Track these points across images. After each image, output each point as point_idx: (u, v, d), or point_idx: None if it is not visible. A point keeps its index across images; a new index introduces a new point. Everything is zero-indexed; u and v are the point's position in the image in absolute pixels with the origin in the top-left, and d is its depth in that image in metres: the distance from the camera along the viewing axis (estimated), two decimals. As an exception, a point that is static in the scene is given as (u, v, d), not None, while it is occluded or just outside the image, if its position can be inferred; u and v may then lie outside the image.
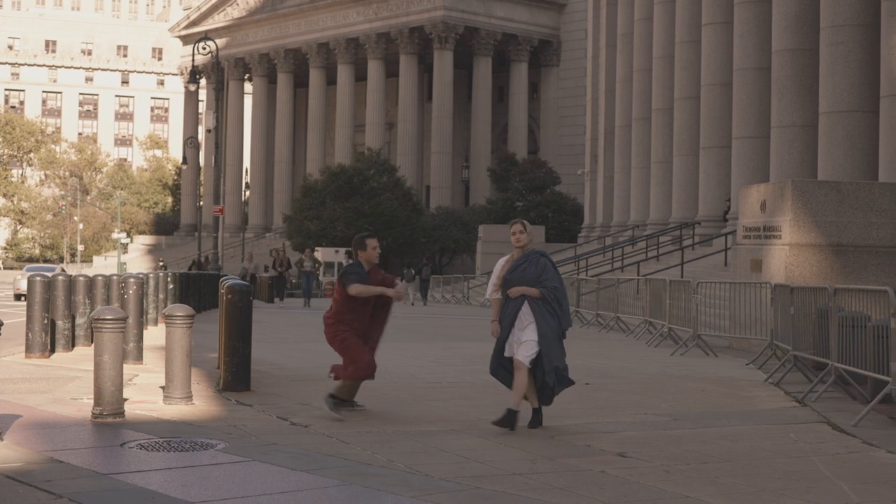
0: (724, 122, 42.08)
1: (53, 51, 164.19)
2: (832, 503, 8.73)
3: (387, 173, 75.59)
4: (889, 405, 13.18)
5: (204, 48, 54.23)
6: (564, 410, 13.70)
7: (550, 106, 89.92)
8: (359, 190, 72.71)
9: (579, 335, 29.26)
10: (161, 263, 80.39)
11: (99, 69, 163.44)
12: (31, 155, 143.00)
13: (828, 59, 32.98)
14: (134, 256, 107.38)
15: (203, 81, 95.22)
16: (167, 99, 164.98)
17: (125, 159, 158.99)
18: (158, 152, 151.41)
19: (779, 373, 17.13)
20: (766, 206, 22.98)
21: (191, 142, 75.16)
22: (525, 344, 11.78)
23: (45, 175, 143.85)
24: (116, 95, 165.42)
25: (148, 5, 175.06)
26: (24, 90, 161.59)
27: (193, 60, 57.87)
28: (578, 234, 66.21)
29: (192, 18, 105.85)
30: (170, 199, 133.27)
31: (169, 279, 31.58)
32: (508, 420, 11.68)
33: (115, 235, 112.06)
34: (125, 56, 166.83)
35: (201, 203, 77.96)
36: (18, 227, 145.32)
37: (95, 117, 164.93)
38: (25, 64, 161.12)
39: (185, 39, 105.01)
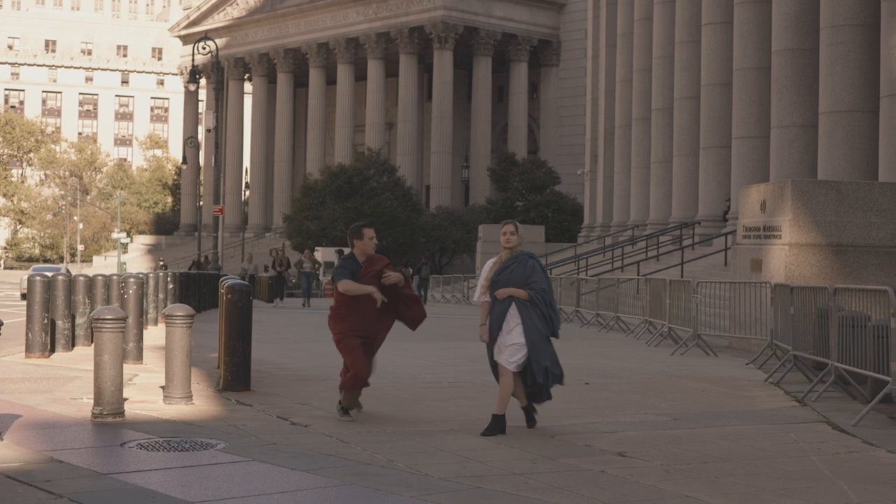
0: (723, 122, 42.08)
1: (53, 51, 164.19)
2: (832, 503, 8.73)
3: (387, 173, 75.59)
4: (889, 405, 13.18)
5: (204, 48, 54.23)
6: (564, 410, 13.70)
7: (550, 106, 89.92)
8: (359, 190, 72.71)
9: (579, 335, 29.26)
10: (161, 263, 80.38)
11: (99, 69, 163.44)
12: (31, 155, 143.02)
13: (827, 58, 32.98)
14: (134, 256, 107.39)
15: (203, 81, 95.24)
16: (167, 99, 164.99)
17: (125, 159, 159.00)
18: (158, 152, 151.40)
19: (779, 372, 17.13)
20: (766, 205, 22.98)
21: (191, 141, 75.16)
22: (510, 348, 11.59)
23: (45, 175, 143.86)
24: (116, 95, 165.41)
25: (148, 5, 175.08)
26: (23, 90, 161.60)
27: (193, 60, 57.86)
28: (578, 233, 66.22)
29: (191, 18, 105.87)
30: (170, 199, 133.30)
31: (169, 279, 31.59)
32: (496, 426, 11.53)
33: (114, 235, 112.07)
34: (125, 56, 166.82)
35: (201, 203, 77.96)
36: (18, 227, 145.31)
37: (95, 117, 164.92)
38: (25, 64, 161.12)
39: (185, 39, 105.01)
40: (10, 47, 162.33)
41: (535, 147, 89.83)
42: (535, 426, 11.93)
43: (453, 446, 10.79)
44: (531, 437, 11.47)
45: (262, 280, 50.97)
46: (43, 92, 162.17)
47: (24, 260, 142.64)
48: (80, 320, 20.80)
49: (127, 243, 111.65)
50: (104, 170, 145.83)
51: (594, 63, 64.40)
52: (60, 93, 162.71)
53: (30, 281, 19.17)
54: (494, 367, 11.90)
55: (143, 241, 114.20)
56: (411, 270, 56.23)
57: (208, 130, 57.86)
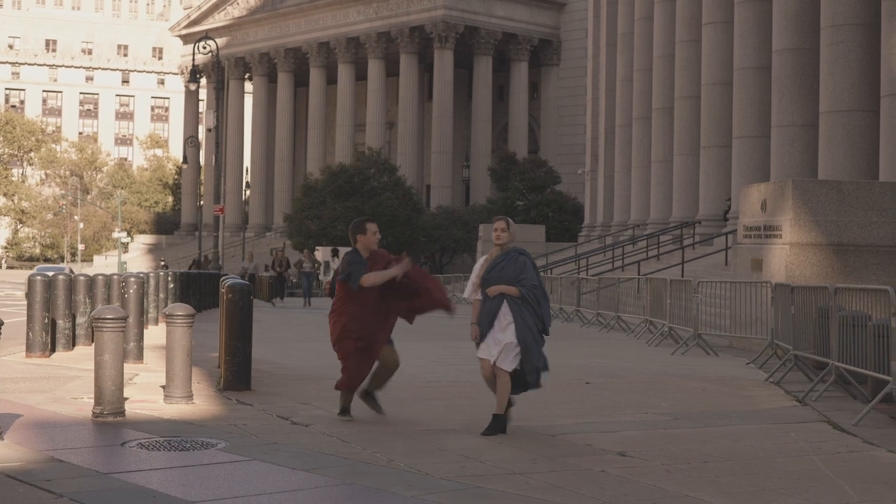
0: (724, 122, 42.08)
1: (54, 50, 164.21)
2: (832, 502, 8.73)
3: (387, 173, 75.58)
4: (889, 404, 13.18)
5: (204, 47, 54.23)
6: (565, 410, 13.71)
7: (551, 105, 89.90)
8: (359, 189, 72.70)
9: (580, 334, 29.27)
10: (162, 263, 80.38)
11: (99, 68, 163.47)
12: (32, 154, 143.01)
13: (828, 58, 32.97)
14: (134, 256, 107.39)
15: (203, 81, 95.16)
16: (167, 98, 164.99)
17: (125, 158, 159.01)
18: (159, 151, 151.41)
19: (779, 372, 17.13)
20: (767, 205, 22.98)
21: (191, 141, 75.16)
22: (506, 348, 11.44)
23: (46, 174, 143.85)
24: (117, 95, 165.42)
25: (148, 4, 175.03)
26: (24, 89, 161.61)
27: (194, 60, 57.86)
28: (579, 233, 66.23)
29: (192, 18, 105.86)
30: (170, 199, 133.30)
31: (169, 278, 31.60)
32: (496, 426, 11.49)
33: (115, 235, 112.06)
34: (125, 55, 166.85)
35: (202, 202, 77.97)
36: (19, 227, 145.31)
37: (96, 116, 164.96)
38: (26, 63, 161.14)
39: (186, 39, 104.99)
40: (11, 47, 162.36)
41: (535, 146, 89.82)
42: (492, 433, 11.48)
43: (454, 446, 10.79)
44: (532, 437, 11.47)
45: (263, 279, 50.97)
46: (43, 91, 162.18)
47: (24, 259, 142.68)
48: (80, 320, 20.80)
49: (127, 243, 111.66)
50: (105, 169, 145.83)
51: (594, 62, 64.40)
52: (61, 92, 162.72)
53: (30, 280, 19.16)
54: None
55: (143, 240, 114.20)
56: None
57: (209, 130, 57.90)
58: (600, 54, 61.54)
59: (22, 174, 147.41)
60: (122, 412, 12.11)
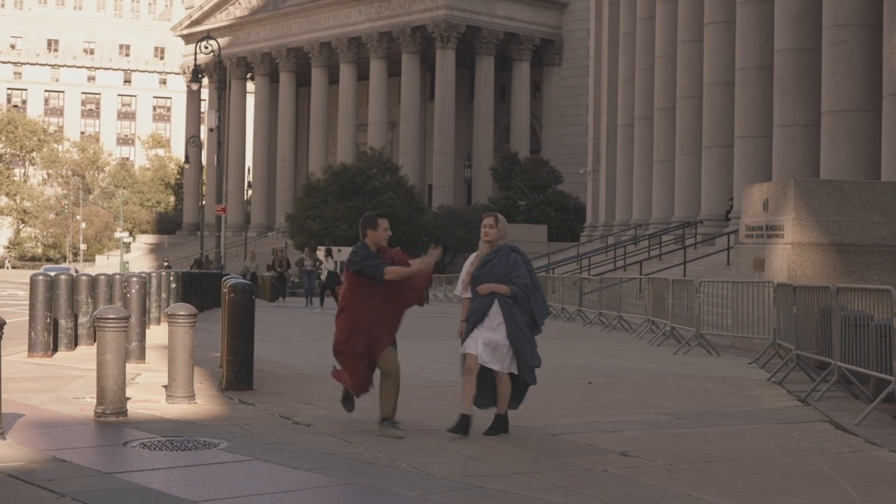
0: (726, 122, 42.08)
1: (56, 50, 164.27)
2: (835, 502, 8.73)
3: (389, 172, 75.53)
4: (892, 404, 13.17)
5: (206, 47, 54.25)
6: (567, 409, 13.71)
7: (553, 105, 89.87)
8: (361, 189, 72.67)
9: (582, 334, 29.26)
10: (166, 263, 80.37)
11: (101, 68, 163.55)
12: (34, 154, 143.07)
13: (830, 58, 32.97)
14: (136, 255, 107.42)
15: (205, 80, 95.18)
16: (169, 98, 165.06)
17: (127, 158, 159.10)
18: (161, 151, 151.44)
19: (781, 372, 17.13)
20: (769, 205, 22.98)
21: (193, 141, 75.18)
22: (498, 349, 11.18)
23: (48, 174, 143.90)
24: (119, 94, 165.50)
25: (150, 4, 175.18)
26: (26, 89, 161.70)
27: (196, 59, 57.87)
28: (581, 233, 66.26)
29: (194, 17, 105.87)
30: (172, 199, 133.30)
31: (171, 278, 31.60)
32: (498, 425, 11.43)
33: (117, 234, 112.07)
34: (127, 55, 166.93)
35: (204, 202, 77.97)
36: (21, 227, 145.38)
37: (98, 116, 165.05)
38: (28, 63, 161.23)
39: (188, 38, 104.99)
40: (13, 47, 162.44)
41: (537, 146, 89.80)
42: (458, 432, 11.18)
43: (456, 446, 10.78)
44: (534, 437, 11.46)
45: (265, 279, 50.93)
46: (45, 91, 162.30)
47: (26, 259, 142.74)
48: (82, 319, 20.81)
49: (129, 242, 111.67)
50: (107, 169, 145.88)
51: (596, 62, 64.41)
52: (63, 92, 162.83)
53: (32, 280, 19.17)
54: (464, 358, 11.39)
55: (145, 240, 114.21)
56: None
57: (211, 130, 57.91)
58: (602, 54, 61.55)
59: (24, 174, 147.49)
60: (124, 412, 12.12)
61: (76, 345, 20.46)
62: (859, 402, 14.21)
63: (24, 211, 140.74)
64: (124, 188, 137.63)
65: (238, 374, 14.59)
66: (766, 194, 23.33)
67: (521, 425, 11.97)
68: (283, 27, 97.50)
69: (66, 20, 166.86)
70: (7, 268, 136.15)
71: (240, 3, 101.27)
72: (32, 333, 18.93)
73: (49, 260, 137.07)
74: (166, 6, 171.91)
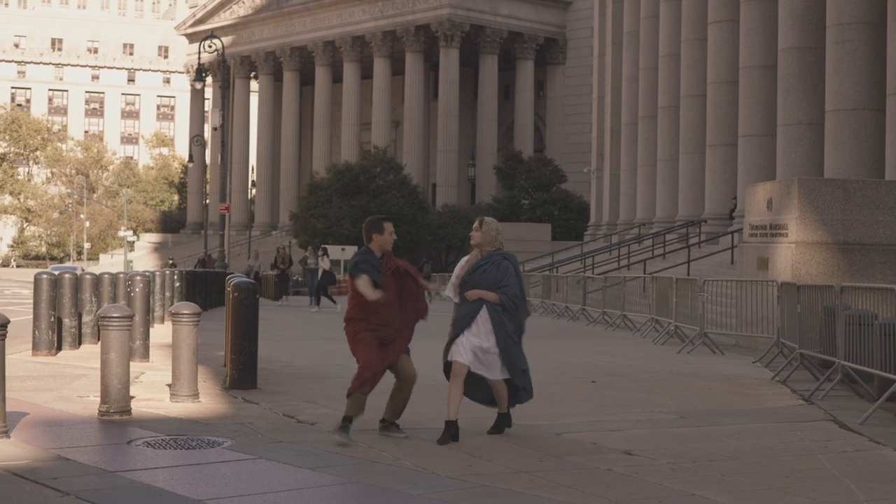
0: (730, 120, 42.05)
1: (59, 49, 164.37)
2: (839, 501, 8.72)
3: (393, 171, 75.54)
4: (896, 403, 13.17)
5: (210, 46, 54.23)
6: (571, 408, 13.71)
7: (556, 104, 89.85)
8: (365, 188, 72.68)
9: (585, 333, 29.27)
10: (171, 261, 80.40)
11: (105, 67, 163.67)
12: (38, 153, 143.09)
13: (834, 56, 32.94)
14: (140, 254, 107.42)
15: (209, 79, 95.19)
16: (173, 97, 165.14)
17: (131, 157, 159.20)
18: (164, 150, 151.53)
19: (785, 371, 17.12)
20: (773, 204, 22.96)
21: (197, 140, 75.19)
22: (487, 357, 11.00)
23: (52, 173, 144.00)
24: (122, 93, 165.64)
25: (154, 3, 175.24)
26: (30, 88, 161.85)
27: (199, 58, 57.83)
28: (585, 232, 66.22)
29: (197, 16, 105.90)
30: (176, 197, 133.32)
31: (175, 277, 31.60)
32: (502, 423, 11.42)
33: (121, 233, 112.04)
34: (131, 54, 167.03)
35: (207, 201, 78.07)
36: (25, 225, 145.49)
37: (101, 115, 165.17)
38: (31, 62, 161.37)
39: (191, 37, 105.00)
40: (17, 45, 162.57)
41: (541, 145, 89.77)
42: (446, 443, 10.84)
43: (460, 444, 10.77)
44: (538, 436, 11.46)
45: (269, 278, 50.92)
46: (49, 90, 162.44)
47: (30, 258, 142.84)
48: (86, 318, 20.82)
49: (133, 241, 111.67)
50: (110, 168, 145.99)
51: (600, 61, 64.37)
52: (67, 91, 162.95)
53: (36, 279, 19.17)
54: (448, 366, 11.20)
55: (149, 239, 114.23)
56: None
57: (214, 128, 57.86)
58: (606, 53, 61.52)
59: (28, 173, 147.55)
60: (128, 410, 12.12)
61: (80, 343, 20.48)
62: (863, 401, 14.20)
63: (28, 210, 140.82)
64: (128, 187, 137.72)
65: (242, 372, 14.60)
66: (769, 193, 23.31)
67: (525, 424, 11.97)
68: (286, 26, 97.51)
69: (70, 19, 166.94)
70: (12, 266, 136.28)
71: (243, 2, 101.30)
72: (36, 332, 18.94)
73: (53, 259, 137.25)
74: (170, 5, 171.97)
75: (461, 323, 11.09)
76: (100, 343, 12.45)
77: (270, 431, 11.43)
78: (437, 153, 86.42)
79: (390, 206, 71.10)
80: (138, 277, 20.04)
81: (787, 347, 18.46)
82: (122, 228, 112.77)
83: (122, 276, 22.31)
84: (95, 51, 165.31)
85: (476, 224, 11.33)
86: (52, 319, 19.06)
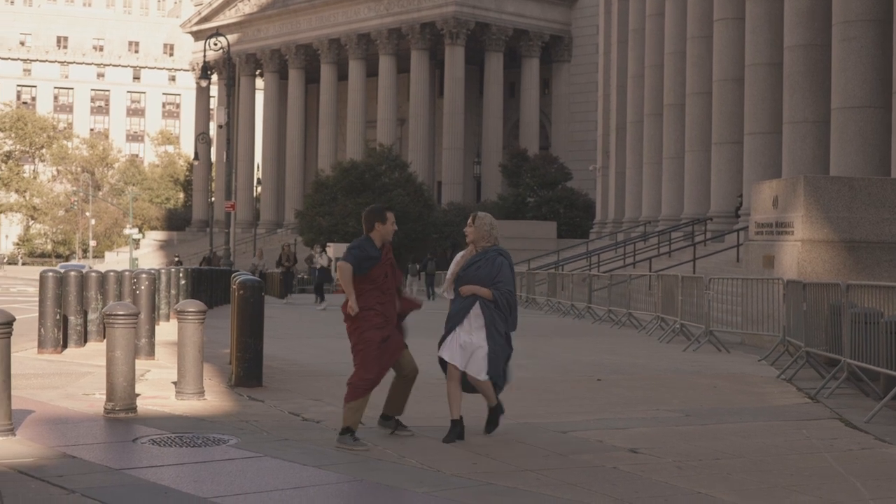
0: (735, 118, 42.03)
1: (65, 47, 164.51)
2: (844, 499, 8.71)
3: (398, 169, 75.56)
4: (902, 401, 13.15)
5: (215, 44, 54.28)
6: (576, 406, 13.70)
7: (562, 101, 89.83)
8: (370, 186, 72.70)
9: (591, 331, 29.25)
10: (177, 258, 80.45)
11: (110, 65, 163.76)
12: (43, 151, 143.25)
13: (840, 54, 32.91)
14: (146, 252, 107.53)
15: (214, 77, 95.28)
16: (178, 95, 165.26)
17: (137, 155, 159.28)
18: (170, 148, 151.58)
19: (791, 369, 17.11)
20: (779, 201, 22.94)
21: (202, 137, 75.23)
22: (476, 354, 10.85)
23: (57, 171, 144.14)
24: (128, 91, 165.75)
25: (159, 1, 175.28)
26: (35, 86, 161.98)
27: (205, 56, 57.89)
28: (590, 229, 66.24)
29: (203, 14, 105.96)
30: (181, 195, 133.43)
31: (181, 275, 31.62)
32: (495, 416, 11.27)
33: (126, 231, 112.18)
34: (136, 52, 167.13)
35: (213, 199, 78.00)
36: (31, 223, 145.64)
37: (107, 113, 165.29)
38: (37, 60, 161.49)
39: (197, 35, 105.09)
40: (22, 43, 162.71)
41: (546, 143, 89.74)
42: (452, 441, 10.82)
43: (465, 443, 10.76)
44: (543, 434, 11.45)
45: (274, 276, 50.92)
46: (55, 88, 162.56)
47: (35, 256, 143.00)
48: (92, 316, 20.83)
49: (139, 239, 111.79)
50: (116, 166, 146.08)
51: (606, 59, 64.37)
52: (72, 89, 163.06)
53: (42, 277, 19.19)
54: (444, 362, 11.11)
55: (154, 236, 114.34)
56: (417, 267, 56.38)
57: (220, 126, 57.94)
58: (611, 51, 61.51)
59: (33, 171, 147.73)
60: (133, 408, 12.13)
61: (86, 341, 20.49)
62: (869, 400, 14.18)
63: (34, 207, 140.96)
64: (133, 185, 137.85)
65: (247, 370, 14.60)
66: (775, 191, 23.29)
67: (531, 422, 11.96)
68: (291, 24, 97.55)
69: (76, 17, 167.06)
70: (19, 264, 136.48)
71: (249, 0, 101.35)
72: (42, 330, 18.97)
73: (59, 256, 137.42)
74: (175, 3, 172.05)
75: (454, 319, 11.00)
76: (105, 341, 12.45)
77: (276, 429, 11.43)
78: (443, 151, 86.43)
79: (396, 203, 71.09)
80: (144, 275, 20.05)
81: (792, 345, 18.45)
82: (128, 226, 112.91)
83: (127, 273, 22.33)
84: (101, 49, 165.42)
85: (469, 220, 11.24)
86: (58, 317, 19.08)
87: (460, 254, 11.35)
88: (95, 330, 20.85)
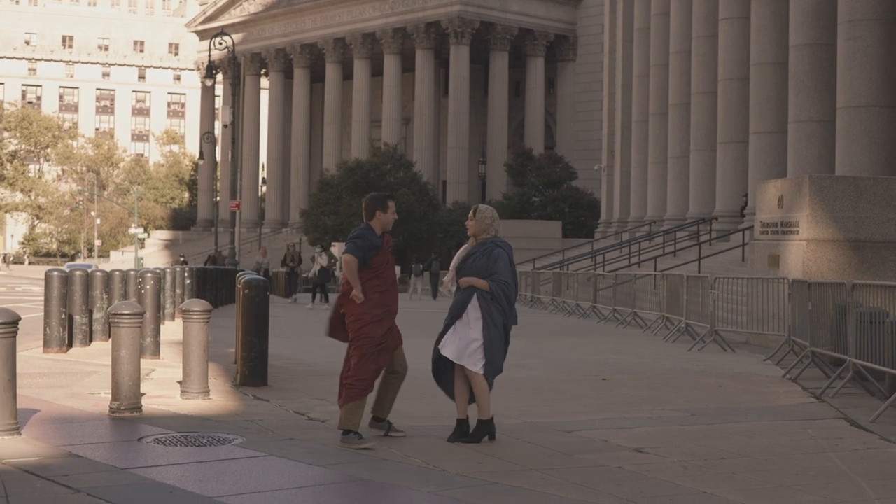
0: (741, 117, 42.00)
1: (70, 46, 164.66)
2: (849, 499, 8.70)
3: (403, 168, 75.54)
4: (907, 401, 13.13)
5: (220, 43, 54.29)
6: (581, 406, 13.70)
7: (567, 101, 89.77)
8: (375, 185, 72.63)
9: (596, 330, 29.24)
10: (182, 259, 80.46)
11: (116, 64, 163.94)
12: (49, 150, 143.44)
13: (845, 53, 32.87)
14: (151, 251, 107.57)
15: (220, 76, 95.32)
16: (184, 94, 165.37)
17: (142, 154, 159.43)
18: (175, 147, 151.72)
19: (796, 368, 17.09)
20: (784, 201, 22.92)
21: (207, 137, 75.28)
22: (471, 347, 10.68)
23: (63, 170, 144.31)
24: (133, 91, 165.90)
25: (164, 0, 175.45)
26: (41, 85, 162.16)
27: (210, 56, 57.91)
28: (595, 229, 66.20)
29: (208, 14, 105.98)
30: (186, 195, 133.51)
31: (186, 274, 31.64)
32: (487, 430, 10.91)
33: (132, 230, 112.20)
34: (142, 51, 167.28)
35: (218, 198, 78.12)
36: (36, 223, 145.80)
37: (112, 112, 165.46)
38: (42, 59, 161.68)
39: (202, 35, 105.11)
40: (28, 43, 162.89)
41: (551, 142, 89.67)
42: (456, 440, 10.78)
43: (469, 442, 10.76)
44: (548, 433, 11.45)
45: (279, 275, 50.95)
46: (60, 87, 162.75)
47: (41, 255, 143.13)
48: (97, 315, 20.85)
49: (144, 238, 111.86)
50: (121, 165, 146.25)
51: (611, 58, 64.31)
52: (77, 88, 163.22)
53: (47, 276, 19.21)
54: (438, 359, 10.95)
55: (160, 236, 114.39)
56: (421, 266, 56.41)
57: (225, 126, 57.96)
58: (617, 50, 61.47)
59: (39, 170, 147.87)
60: (138, 407, 12.14)
61: (91, 340, 20.51)
62: (874, 399, 14.16)
63: (39, 207, 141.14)
64: (139, 184, 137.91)
65: (252, 369, 14.61)
66: (780, 190, 23.27)
67: (536, 422, 11.96)
68: (296, 23, 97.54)
69: (81, 16, 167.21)
70: (26, 264, 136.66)
71: (254, 0, 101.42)
72: (47, 329, 18.98)
73: (64, 256, 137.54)
74: (180, 2, 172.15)
75: (452, 312, 10.93)
76: (110, 340, 12.46)
77: (281, 429, 11.43)
78: (448, 150, 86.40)
79: (400, 203, 70.92)
80: (149, 274, 20.07)
81: (797, 345, 18.44)
82: (133, 225, 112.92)
83: (132, 273, 22.34)
84: (106, 48, 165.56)
85: (471, 213, 11.20)
86: (63, 316, 19.09)
87: (463, 247, 11.30)
88: (101, 329, 20.87)
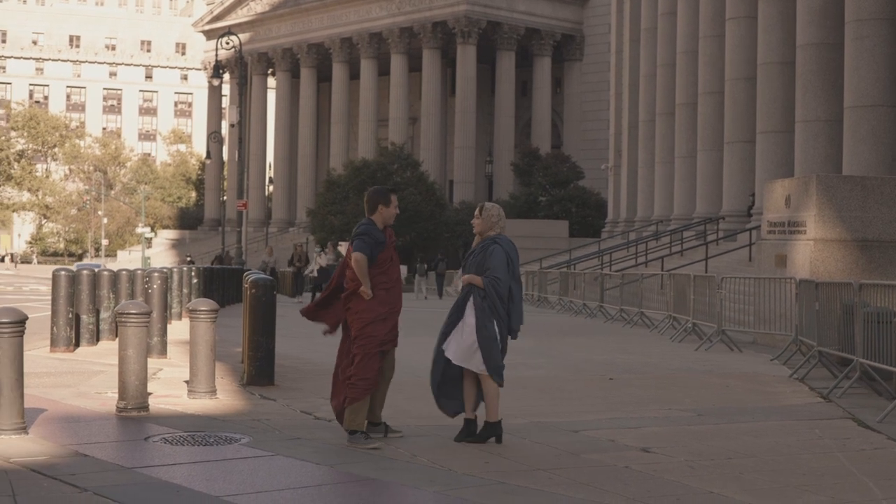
0: (748, 117, 41.96)
1: (77, 46, 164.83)
2: (857, 499, 8.69)
3: (410, 168, 75.54)
4: (914, 401, 13.11)
5: (227, 43, 54.34)
6: (588, 406, 13.69)
7: (574, 100, 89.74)
8: (382, 185, 72.66)
9: (603, 330, 29.23)
10: (188, 258, 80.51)
11: (123, 64, 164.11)
12: (56, 150, 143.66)
13: (853, 53, 32.84)
14: (158, 251, 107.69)
15: (226, 76, 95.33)
16: (191, 94, 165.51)
17: (149, 154, 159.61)
18: (182, 147, 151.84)
19: (803, 368, 17.07)
20: (791, 200, 22.90)
21: (214, 136, 75.35)
22: (471, 348, 10.56)
23: (70, 170, 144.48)
24: (140, 90, 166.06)
25: (171, 0, 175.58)
26: (48, 85, 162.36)
27: (217, 55, 58.00)
28: (602, 228, 66.18)
29: (215, 13, 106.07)
30: (193, 194, 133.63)
31: (193, 273, 31.64)
32: (494, 432, 10.82)
33: (139, 230, 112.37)
34: (149, 51, 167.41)
35: (225, 197, 78.11)
36: (43, 222, 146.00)
37: (119, 112, 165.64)
38: (50, 59, 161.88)
39: (209, 34, 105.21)
40: (35, 42, 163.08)
41: (558, 142, 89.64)
42: (462, 440, 10.73)
43: (476, 442, 10.75)
44: (555, 433, 11.44)
45: (286, 274, 50.96)
46: (67, 87, 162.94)
47: (48, 255, 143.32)
48: (104, 315, 20.86)
49: (151, 238, 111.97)
50: (128, 164, 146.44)
51: (618, 58, 64.30)
52: (85, 88, 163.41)
53: (54, 275, 19.22)
54: (440, 357, 10.82)
55: (167, 235, 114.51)
56: (426, 266, 56.48)
57: (232, 125, 58.04)
58: (623, 50, 61.45)
59: (46, 169, 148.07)
60: (145, 407, 12.14)
61: (98, 340, 20.51)
62: (882, 399, 14.15)
63: (46, 206, 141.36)
64: (146, 184, 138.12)
65: (259, 369, 14.61)
66: (788, 190, 23.25)
67: (543, 422, 11.95)
68: (303, 23, 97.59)
69: (88, 16, 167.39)
70: (33, 263, 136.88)
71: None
72: (54, 328, 19.00)
73: (71, 255, 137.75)
74: (187, 2, 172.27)
75: (452, 311, 10.87)
76: (118, 339, 12.47)
77: (287, 428, 11.43)
78: (455, 150, 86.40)
79: (407, 202, 71.09)
80: (156, 274, 20.07)
81: (805, 345, 18.42)
82: (140, 225, 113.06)
83: (139, 272, 22.35)
84: (113, 48, 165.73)
85: (477, 211, 11.15)
86: (70, 316, 19.11)
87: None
88: (108, 329, 20.87)
